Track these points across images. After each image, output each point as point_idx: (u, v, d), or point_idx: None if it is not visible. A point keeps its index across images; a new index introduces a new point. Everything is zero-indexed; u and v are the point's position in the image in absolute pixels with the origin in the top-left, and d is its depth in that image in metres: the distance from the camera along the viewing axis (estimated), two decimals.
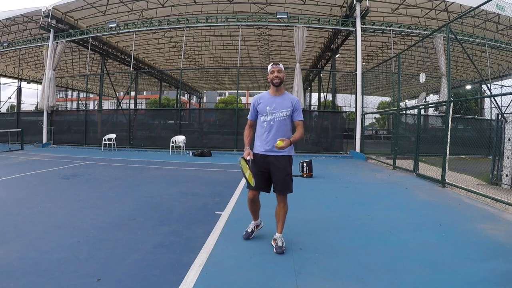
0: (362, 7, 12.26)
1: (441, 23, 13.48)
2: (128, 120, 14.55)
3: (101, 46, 17.11)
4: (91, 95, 33.26)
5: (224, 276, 2.32)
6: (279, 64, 2.83)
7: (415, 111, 10.56)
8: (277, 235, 2.89)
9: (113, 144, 12.97)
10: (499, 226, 3.70)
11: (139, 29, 14.32)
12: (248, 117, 2.96)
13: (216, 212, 4.00)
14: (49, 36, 14.80)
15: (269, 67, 2.87)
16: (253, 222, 3.09)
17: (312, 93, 27.10)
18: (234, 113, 13.82)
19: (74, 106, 36.63)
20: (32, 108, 26.14)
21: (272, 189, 2.89)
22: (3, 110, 21.40)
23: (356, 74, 12.46)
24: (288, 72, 24.51)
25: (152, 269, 2.38)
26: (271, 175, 2.82)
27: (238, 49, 15.01)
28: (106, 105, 36.40)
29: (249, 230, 3.06)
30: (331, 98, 16.36)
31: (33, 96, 26.70)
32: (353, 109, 14.33)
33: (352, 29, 12.60)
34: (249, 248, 2.83)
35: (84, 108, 17.82)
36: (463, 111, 8.79)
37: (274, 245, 2.85)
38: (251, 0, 13.95)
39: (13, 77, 22.30)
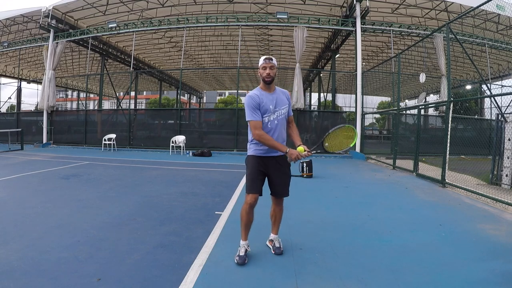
0: (362, 7, 12.27)
1: (441, 23, 13.49)
2: (128, 120, 14.55)
3: (101, 46, 17.11)
4: (91, 95, 33.27)
5: (224, 276, 2.32)
6: (272, 59, 2.53)
7: (415, 111, 10.57)
8: (274, 236, 2.82)
9: (113, 144, 12.98)
10: (499, 226, 3.70)
11: (139, 29, 14.33)
12: (254, 118, 2.49)
13: (216, 212, 4.00)
14: (49, 36, 14.81)
15: (261, 61, 2.54)
16: (243, 242, 2.63)
17: (312, 93, 27.12)
18: (234, 113, 13.81)
19: (74, 106, 36.68)
20: (32, 108, 26.14)
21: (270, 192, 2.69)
22: (3, 110, 21.39)
23: (356, 74, 12.47)
24: (288, 72, 24.81)
25: (152, 269, 2.38)
26: (269, 177, 2.63)
27: (238, 49, 15.01)
28: (106, 105, 36.43)
29: (242, 254, 2.56)
30: (331, 98, 16.37)
31: (33, 96, 26.70)
32: (353, 109, 14.34)
33: (352, 29, 12.60)
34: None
35: (84, 108, 17.83)
36: (463, 111, 8.79)
37: (271, 246, 2.79)
38: (251, 0, 13.96)
39: (13, 77, 22.31)
